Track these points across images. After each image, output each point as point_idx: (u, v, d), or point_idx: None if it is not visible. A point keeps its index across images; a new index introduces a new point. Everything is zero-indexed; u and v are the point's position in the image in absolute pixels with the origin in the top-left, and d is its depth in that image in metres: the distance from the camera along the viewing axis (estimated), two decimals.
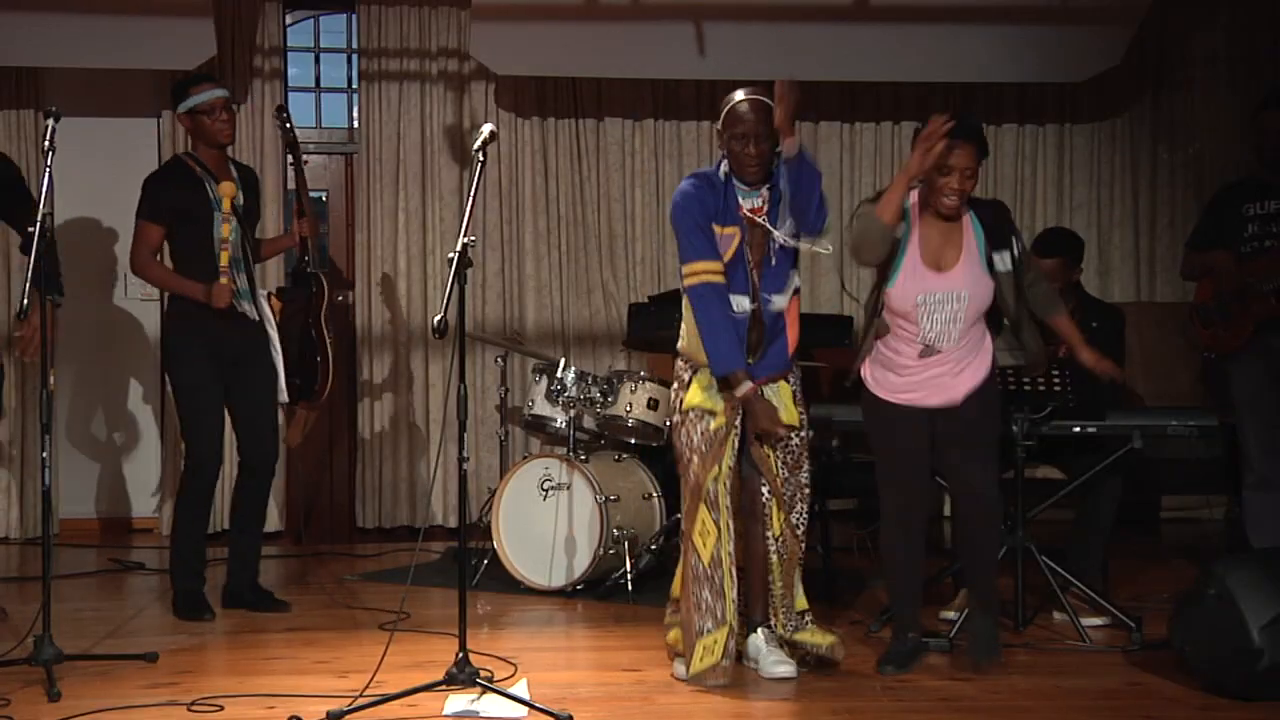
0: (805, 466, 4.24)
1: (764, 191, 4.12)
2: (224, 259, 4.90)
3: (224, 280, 4.87)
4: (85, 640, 4.59)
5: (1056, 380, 4.66)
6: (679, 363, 4.22)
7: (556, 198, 7.17)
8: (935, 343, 4.14)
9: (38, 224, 4.08)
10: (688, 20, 6.65)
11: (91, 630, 4.78)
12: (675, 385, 4.22)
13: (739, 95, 4.11)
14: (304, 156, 5.34)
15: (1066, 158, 7.53)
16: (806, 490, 4.24)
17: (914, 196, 4.19)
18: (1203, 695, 3.96)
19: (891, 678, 4.18)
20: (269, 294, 5.19)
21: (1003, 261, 4.19)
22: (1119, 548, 5.53)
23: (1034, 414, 4.67)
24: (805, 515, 4.25)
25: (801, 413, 4.23)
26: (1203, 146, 7.57)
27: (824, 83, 7.24)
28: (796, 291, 4.20)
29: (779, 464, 4.18)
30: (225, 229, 4.92)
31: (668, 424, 5.04)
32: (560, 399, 5.68)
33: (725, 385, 4.09)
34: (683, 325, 4.20)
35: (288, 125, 5.47)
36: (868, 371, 4.28)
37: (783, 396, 4.19)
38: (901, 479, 4.27)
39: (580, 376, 5.69)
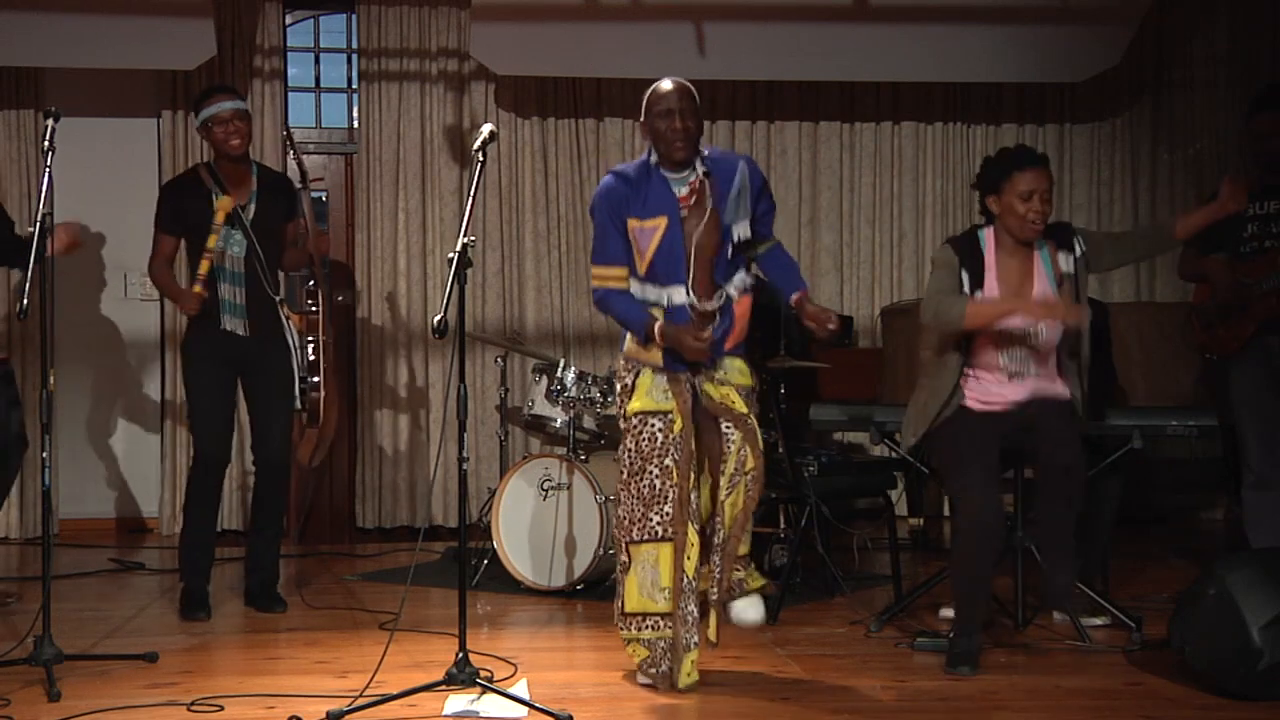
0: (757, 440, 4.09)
1: (693, 179, 4.03)
2: (203, 268, 4.98)
3: (196, 288, 4.96)
4: (85, 640, 4.60)
5: None
6: (621, 365, 4.13)
7: (556, 198, 7.17)
8: (1019, 371, 4.30)
9: (38, 224, 4.08)
10: (688, 20, 6.65)
11: (91, 630, 4.78)
12: (619, 389, 4.12)
13: (660, 81, 4.08)
14: (309, 180, 5.34)
15: (1066, 158, 7.53)
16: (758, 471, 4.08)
17: (989, 234, 4.35)
18: (1203, 695, 3.96)
19: (891, 678, 4.18)
20: (281, 301, 5.14)
21: (1067, 263, 4.34)
22: (1119, 548, 5.53)
23: None
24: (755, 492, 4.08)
25: (747, 400, 4.08)
26: (1203, 146, 7.57)
27: (824, 83, 7.26)
28: (749, 290, 4.11)
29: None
30: (212, 240, 4.96)
31: None
32: (560, 399, 5.68)
33: (674, 382, 4.01)
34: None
35: (294, 157, 5.49)
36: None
37: (728, 381, 4.07)
38: (977, 480, 4.24)
39: (580, 376, 5.69)
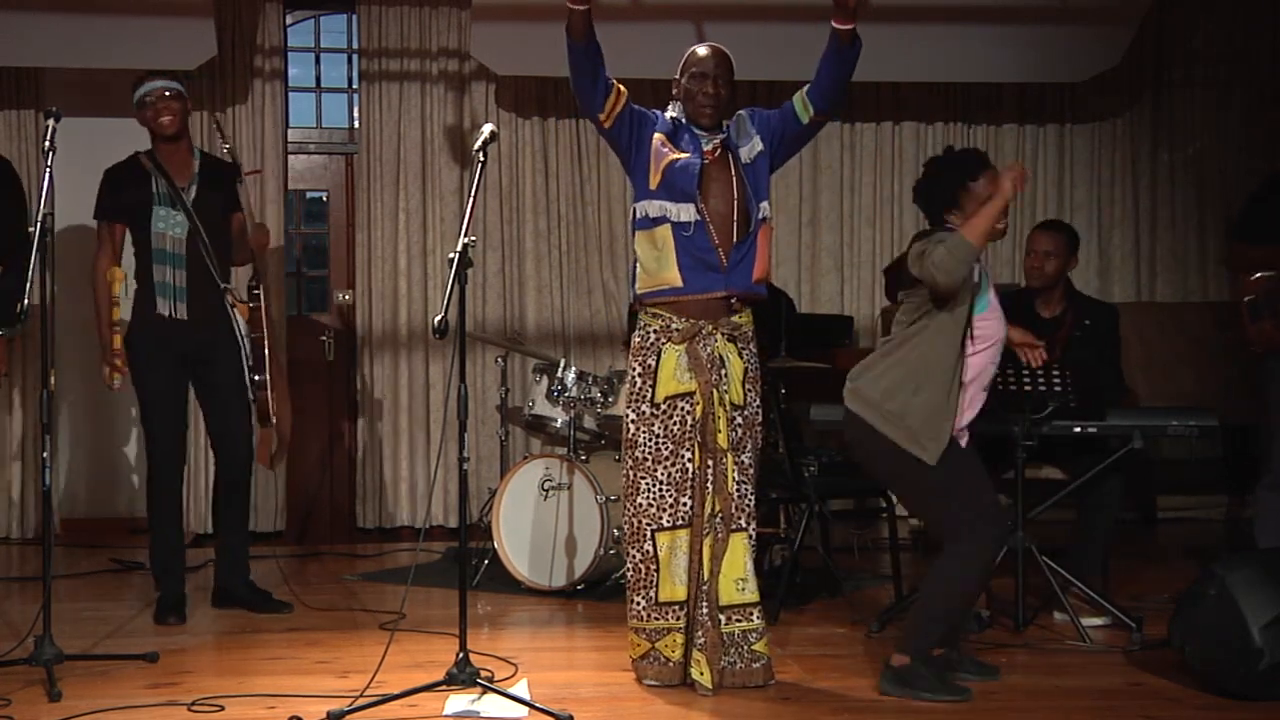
0: (748, 449, 4.08)
1: (717, 140, 4.13)
2: (116, 342, 4.98)
3: (116, 346, 4.98)
4: (85, 640, 4.60)
5: (1057, 380, 4.66)
6: (643, 322, 4.07)
7: (557, 198, 7.17)
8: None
9: (38, 224, 4.08)
10: (688, 20, 6.65)
11: (91, 630, 4.79)
12: (637, 371, 4.03)
13: (700, 45, 4.20)
14: (244, 173, 5.22)
15: (1066, 158, 7.52)
16: (749, 472, 4.07)
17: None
18: (1203, 695, 3.96)
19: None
20: (228, 290, 5.06)
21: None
22: (1119, 548, 5.53)
23: (1034, 414, 4.67)
24: (748, 503, 4.07)
25: (749, 390, 4.09)
26: (1203, 146, 7.57)
27: None
28: (765, 220, 4.12)
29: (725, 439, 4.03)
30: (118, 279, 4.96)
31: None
32: (561, 399, 5.68)
33: (694, 357, 3.99)
34: (637, 265, 4.12)
35: (225, 146, 5.33)
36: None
37: (732, 371, 4.05)
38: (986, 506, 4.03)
39: (580, 376, 5.70)
